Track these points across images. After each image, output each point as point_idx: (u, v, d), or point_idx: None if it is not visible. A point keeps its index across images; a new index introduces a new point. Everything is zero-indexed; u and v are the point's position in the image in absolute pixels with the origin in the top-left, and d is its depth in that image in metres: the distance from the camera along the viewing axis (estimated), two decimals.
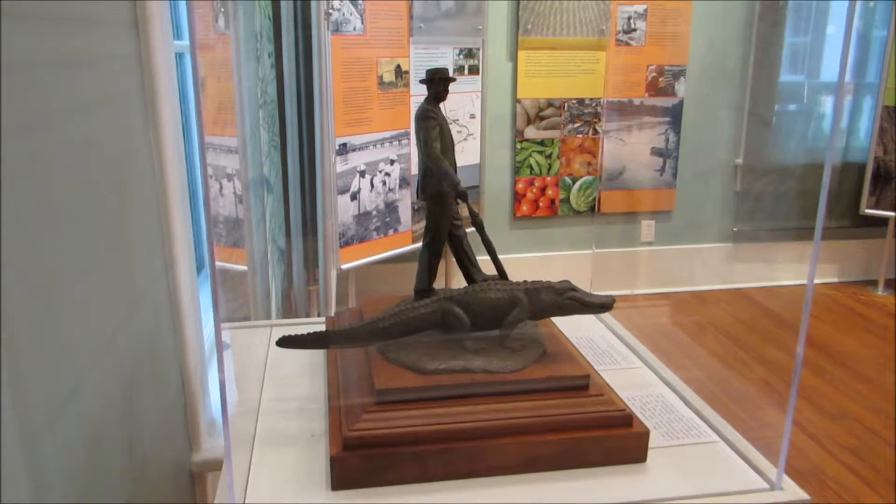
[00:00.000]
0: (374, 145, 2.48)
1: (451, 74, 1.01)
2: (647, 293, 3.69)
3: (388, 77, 2.50)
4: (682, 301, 3.64)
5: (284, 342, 0.96)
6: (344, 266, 2.40)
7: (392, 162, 2.58)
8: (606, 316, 1.37)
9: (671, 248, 3.71)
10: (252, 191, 1.94)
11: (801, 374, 2.77)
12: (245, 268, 2.00)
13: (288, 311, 2.24)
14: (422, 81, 1.01)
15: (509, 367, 0.93)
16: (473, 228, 1.07)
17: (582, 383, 0.93)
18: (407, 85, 2.57)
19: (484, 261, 1.08)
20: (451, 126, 1.04)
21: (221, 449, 0.80)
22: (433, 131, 0.99)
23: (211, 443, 1.39)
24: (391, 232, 2.63)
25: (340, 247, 2.38)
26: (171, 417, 1.27)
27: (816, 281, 3.85)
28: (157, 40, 1.15)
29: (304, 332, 0.97)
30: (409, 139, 2.60)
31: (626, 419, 0.91)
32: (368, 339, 0.97)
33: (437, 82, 1.00)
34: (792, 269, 3.74)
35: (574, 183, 3.54)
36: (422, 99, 1.02)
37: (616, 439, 0.89)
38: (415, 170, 1.09)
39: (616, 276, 3.63)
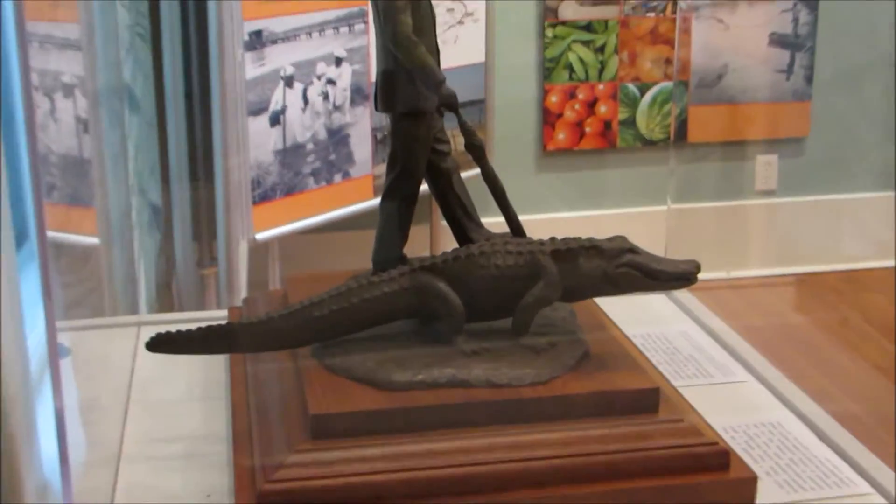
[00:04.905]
0: (308, 34, 2.48)
1: None
2: (760, 275, 3.72)
3: None
4: (821, 284, 3.67)
5: (158, 344, 0.98)
6: (259, 235, 2.41)
7: (339, 61, 2.58)
8: (691, 301, 1.39)
9: (803, 201, 3.74)
10: (105, 110, 1.93)
11: None
12: (95, 239, 2.00)
13: (167, 304, 2.24)
14: None
15: (529, 377, 0.95)
16: (471, 158, 1.08)
17: (649, 403, 0.95)
18: None
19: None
20: None
21: None
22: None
23: None
24: (339, 178, 2.64)
25: (254, 203, 2.38)
26: None
27: None
28: None
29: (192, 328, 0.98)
30: (366, 23, 2.60)
31: (721, 457, 0.92)
32: (298, 337, 0.99)
33: None
34: None
35: (643, 94, 3.55)
36: None
37: (704, 490, 0.91)
38: (375, 73, 1.11)
39: (709, 247, 3.66)
